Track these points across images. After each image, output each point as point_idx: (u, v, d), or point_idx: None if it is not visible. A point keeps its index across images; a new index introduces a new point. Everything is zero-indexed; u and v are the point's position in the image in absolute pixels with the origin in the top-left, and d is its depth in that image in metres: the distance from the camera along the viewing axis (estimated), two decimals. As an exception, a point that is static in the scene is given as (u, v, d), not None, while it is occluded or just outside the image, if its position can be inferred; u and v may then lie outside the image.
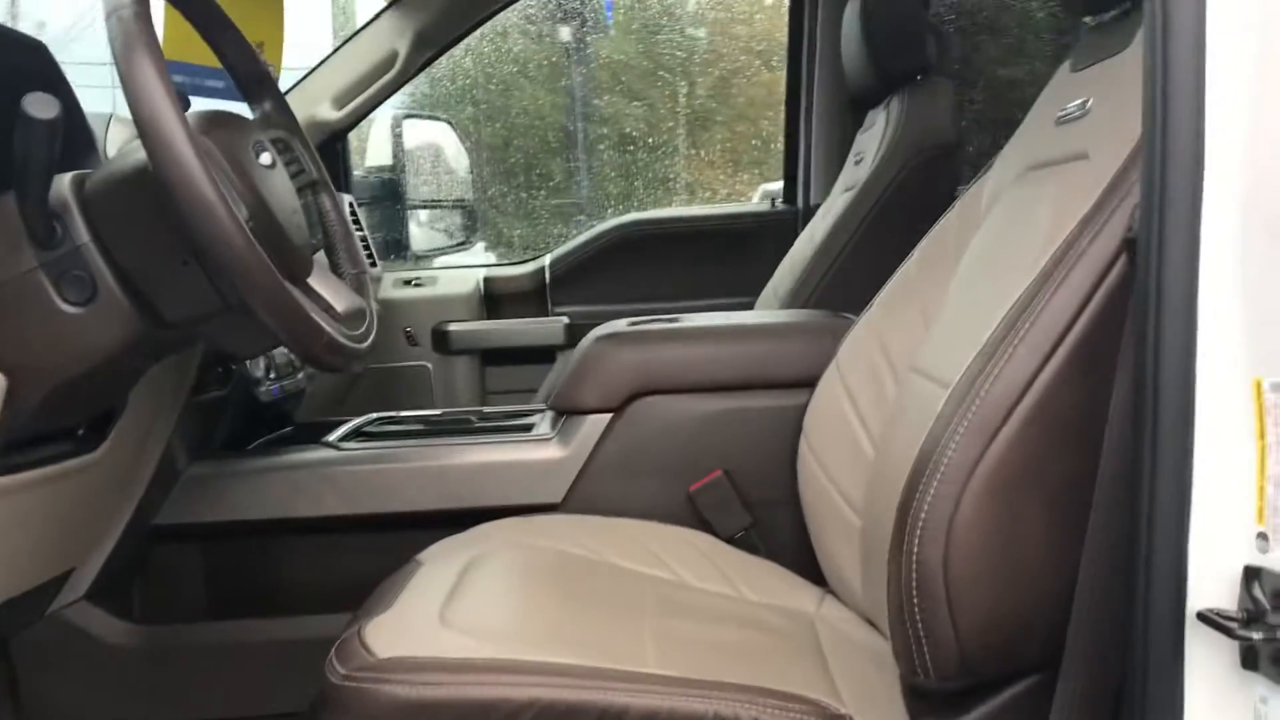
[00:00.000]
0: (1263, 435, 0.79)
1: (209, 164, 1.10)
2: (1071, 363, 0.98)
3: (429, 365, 2.78)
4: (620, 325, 1.81)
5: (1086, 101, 1.20)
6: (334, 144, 2.74)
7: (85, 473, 1.40)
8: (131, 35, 1.09)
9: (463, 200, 3.34)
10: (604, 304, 2.79)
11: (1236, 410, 0.80)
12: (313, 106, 2.64)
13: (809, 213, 2.74)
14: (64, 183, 1.18)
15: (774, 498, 1.63)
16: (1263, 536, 0.79)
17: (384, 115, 3.11)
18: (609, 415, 1.67)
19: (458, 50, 2.91)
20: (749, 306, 2.63)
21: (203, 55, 1.77)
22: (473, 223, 3.37)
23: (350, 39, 2.65)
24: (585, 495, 1.65)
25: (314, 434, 1.84)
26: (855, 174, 2.34)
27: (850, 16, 2.30)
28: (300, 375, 1.93)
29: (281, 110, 1.46)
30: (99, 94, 1.68)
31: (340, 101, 2.64)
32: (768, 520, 1.63)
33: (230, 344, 1.42)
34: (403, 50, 2.60)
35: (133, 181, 1.16)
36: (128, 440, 1.49)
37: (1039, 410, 0.98)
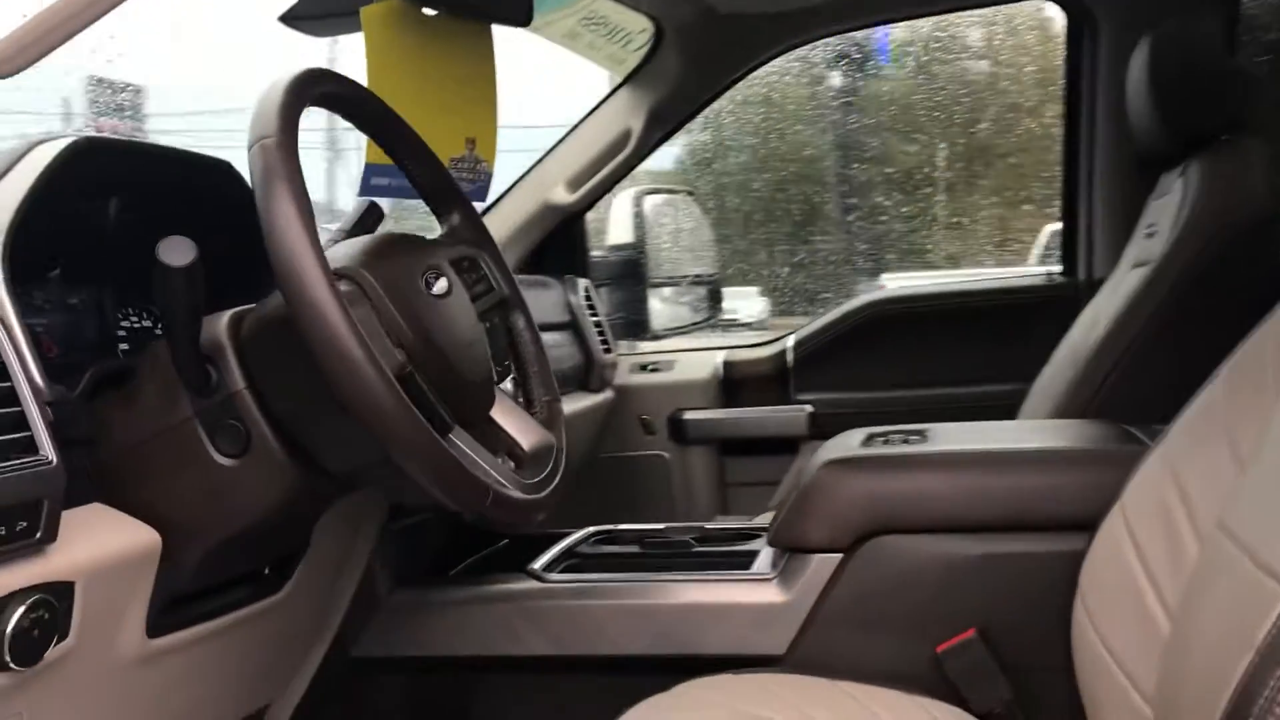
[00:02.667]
0: None
1: (351, 312, 0.97)
2: None
3: (665, 455, 2.62)
4: (854, 444, 1.58)
5: None
6: (570, 227, 2.66)
7: (271, 614, 1.31)
8: (272, 168, 0.98)
9: (705, 275, 3.19)
10: (852, 390, 2.54)
11: None
12: (547, 190, 2.56)
13: (1092, 286, 2.40)
14: (221, 323, 1.09)
15: (1041, 665, 1.34)
16: None
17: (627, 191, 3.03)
18: (838, 556, 1.44)
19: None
20: (1020, 395, 2.31)
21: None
22: (716, 298, 3.22)
23: (583, 120, 2.56)
24: (812, 649, 1.43)
25: (524, 553, 1.71)
26: (1148, 248, 2.00)
27: (1137, 65, 1.98)
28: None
29: (470, 224, 1.34)
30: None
31: (574, 184, 2.55)
32: (1032, 694, 1.35)
33: (401, 495, 1.31)
34: (637, 128, 2.48)
35: (282, 323, 1.05)
36: (316, 576, 1.40)
37: None
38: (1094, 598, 1.27)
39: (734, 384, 2.64)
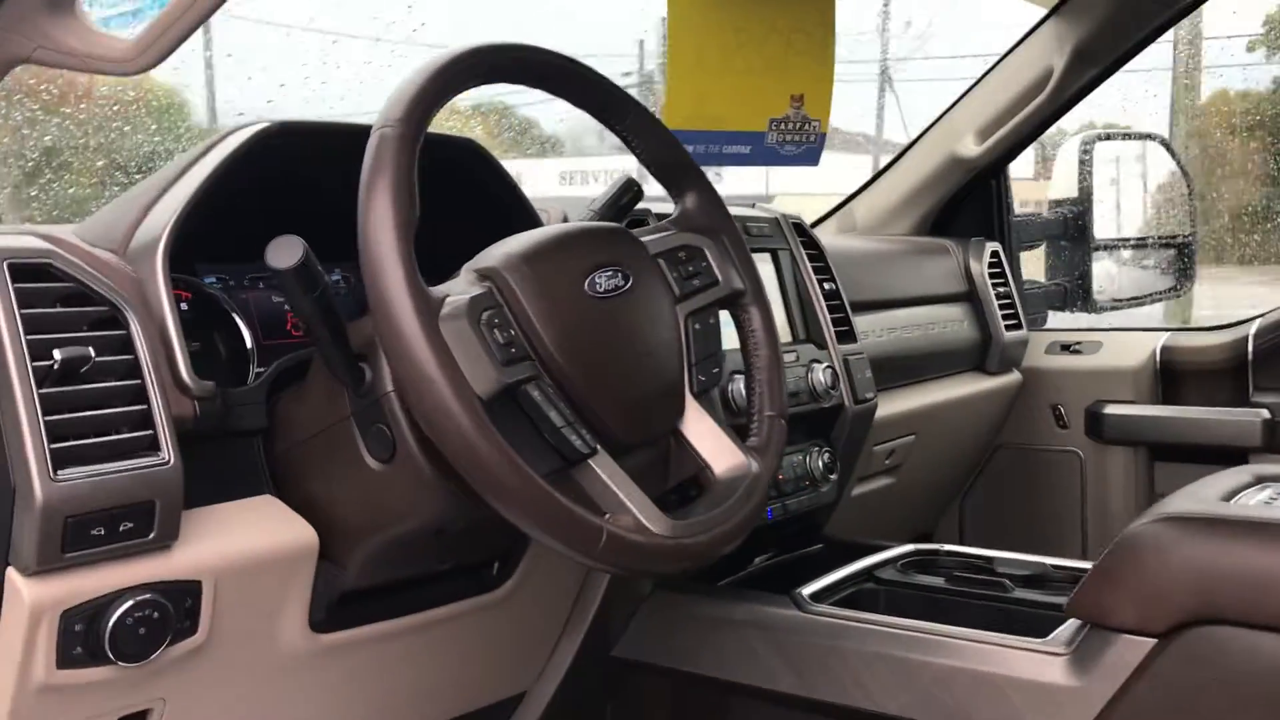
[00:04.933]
0: None
1: (440, 329, 0.87)
2: None
3: (1079, 453, 2.24)
4: (1214, 492, 1.21)
5: None
6: (983, 183, 2.33)
7: (494, 610, 1.28)
8: (381, 163, 0.90)
9: (1177, 237, 2.68)
10: (1327, 397, 2.00)
11: None
12: (955, 142, 2.26)
13: None
14: None
15: None
16: None
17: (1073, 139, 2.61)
18: (1150, 642, 1.11)
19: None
20: None
21: (720, 117, 1.55)
22: (1188, 264, 2.69)
23: (1000, 60, 2.21)
24: (1105, 754, 1.12)
25: (821, 565, 1.53)
26: None
27: None
28: (825, 489, 1.62)
29: (705, 206, 1.18)
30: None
31: (984, 134, 2.23)
32: None
33: None
34: (1058, 69, 2.10)
35: None
36: (553, 571, 1.34)
37: None
38: None
39: (1173, 375, 2.19)
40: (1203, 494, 1.22)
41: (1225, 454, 2.08)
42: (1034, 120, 2.17)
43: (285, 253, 0.91)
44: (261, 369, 1.12)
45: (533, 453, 0.92)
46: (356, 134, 1.00)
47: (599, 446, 0.97)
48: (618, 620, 1.48)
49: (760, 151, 1.59)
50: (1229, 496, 1.22)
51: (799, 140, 1.63)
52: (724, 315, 1.19)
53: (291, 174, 1.15)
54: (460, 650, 1.30)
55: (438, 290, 0.94)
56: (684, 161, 1.18)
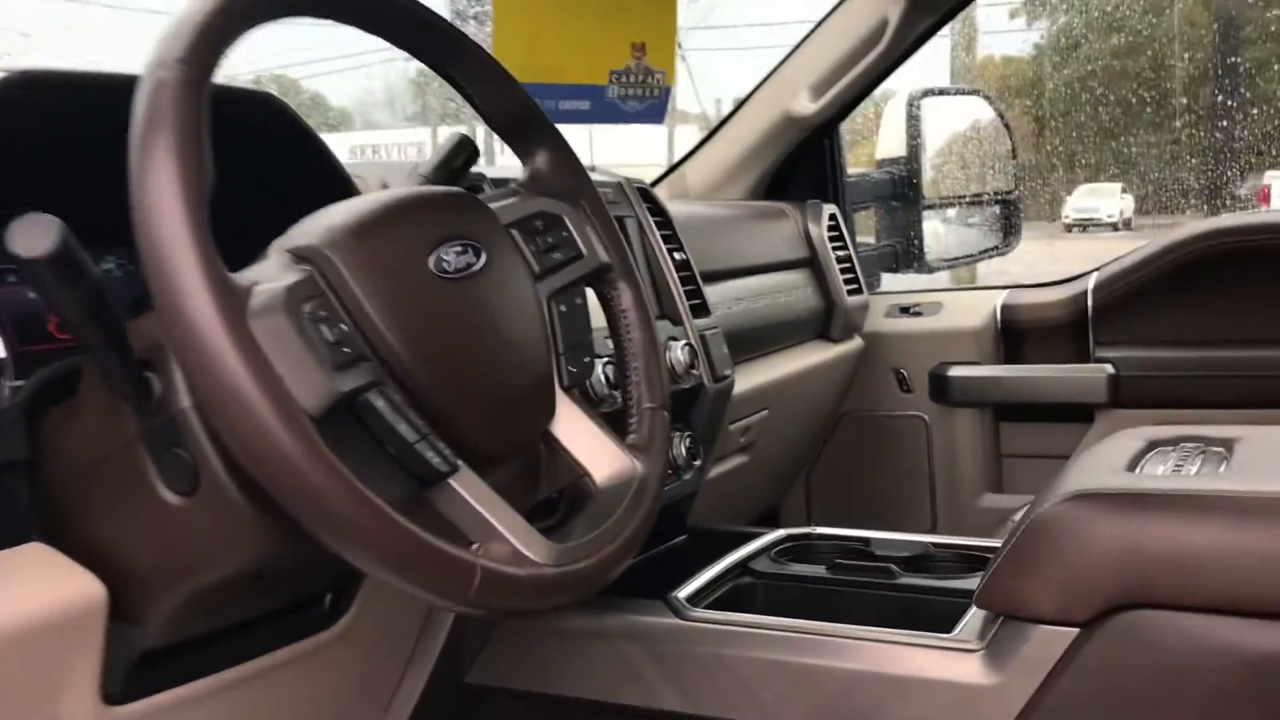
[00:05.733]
0: None
1: (244, 325, 0.68)
2: None
3: (924, 417, 2.19)
4: (1117, 462, 1.13)
5: None
6: (819, 142, 2.24)
7: (332, 648, 1.08)
8: (159, 115, 0.69)
9: (1002, 193, 2.67)
10: (1169, 348, 1.99)
11: None
12: (788, 99, 2.16)
13: None
14: None
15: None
16: None
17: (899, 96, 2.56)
18: (1072, 632, 1.02)
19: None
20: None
21: (556, 69, 1.38)
22: (1014, 221, 2.69)
23: (832, 11, 2.11)
24: (1029, 756, 1.03)
25: (690, 563, 1.40)
26: None
27: None
28: (689, 476, 1.48)
29: (559, 165, 1.00)
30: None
31: (819, 91, 2.12)
32: None
33: None
34: (894, 19, 2.01)
35: None
36: (390, 602, 1.15)
37: None
38: None
39: (1014, 333, 2.15)
40: (1104, 465, 1.14)
41: (1071, 411, 2.06)
42: (870, 74, 2.08)
43: (35, 236, 0.70)
44: (19, 382, 0.90)
45: (379, 476, 0.74)
46: (126, 85, 0.78)
47: (460, 462, 0.80)
48: (471, 643, 1.31)
49: (601, 108, 1.43)
50: (1131, 466, 1.14)
51: (642, 95, 1.47)
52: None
53: (44, 137, 0.92)
54: (293, 701, 1.10)
55: (241, 277, 0.74)
56: (532, 113, 1.00)
